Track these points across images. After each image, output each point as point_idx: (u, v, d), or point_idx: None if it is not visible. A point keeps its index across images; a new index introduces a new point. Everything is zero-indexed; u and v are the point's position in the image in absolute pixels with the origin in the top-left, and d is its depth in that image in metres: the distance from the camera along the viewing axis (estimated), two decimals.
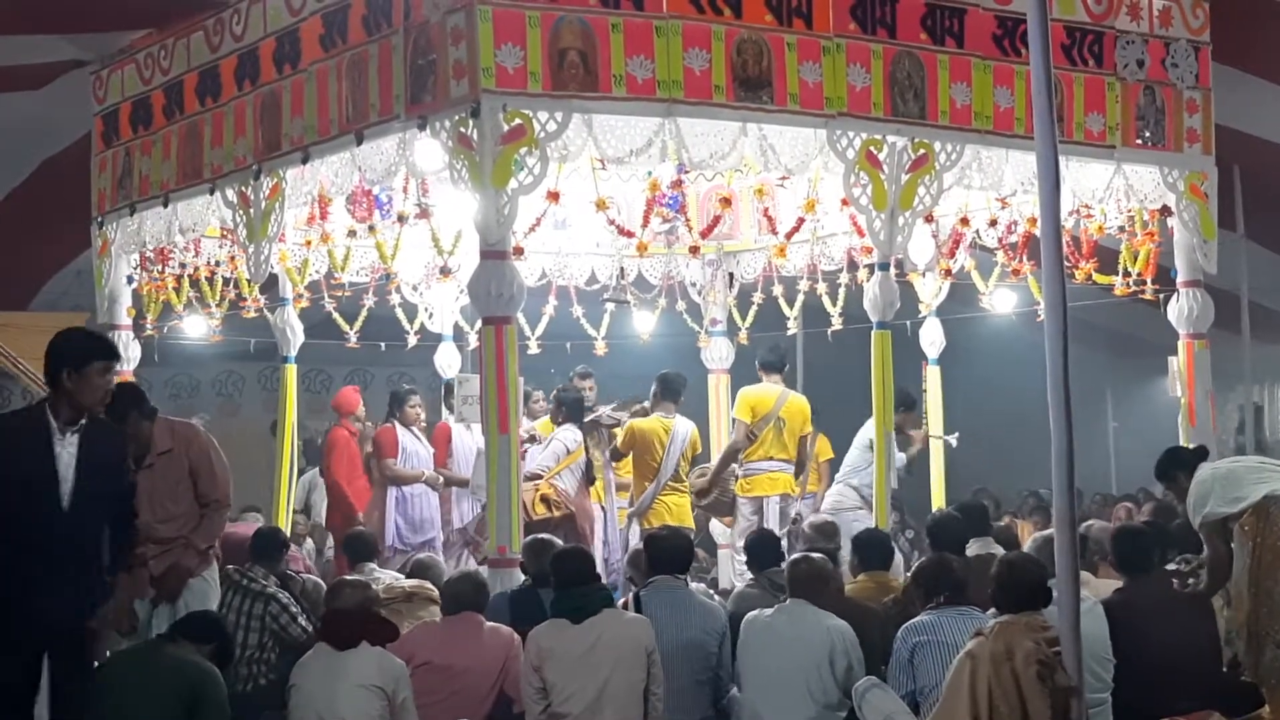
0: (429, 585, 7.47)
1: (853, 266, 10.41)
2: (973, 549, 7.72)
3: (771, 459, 9.97)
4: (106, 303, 9.99)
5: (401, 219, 8.94)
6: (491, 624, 6.68)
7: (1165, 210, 9.23)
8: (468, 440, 10.39)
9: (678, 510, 10.08)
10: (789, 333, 11.87)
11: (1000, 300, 11.09)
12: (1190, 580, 7.18)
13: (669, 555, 6.96)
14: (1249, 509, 6.68)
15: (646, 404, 10.53)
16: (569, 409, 10.01)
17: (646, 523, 9.88)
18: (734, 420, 10.23)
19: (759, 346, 11.44)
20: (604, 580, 7.22)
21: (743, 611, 6.81)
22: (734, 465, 10.10)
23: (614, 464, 10.46)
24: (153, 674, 5.85)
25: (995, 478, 13.89)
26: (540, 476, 9.59)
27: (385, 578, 8.12)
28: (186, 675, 5.83)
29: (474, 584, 6.78)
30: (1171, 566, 7.52)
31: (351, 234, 9.56)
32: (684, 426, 10.18)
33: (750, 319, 11.55)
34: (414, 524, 10.45)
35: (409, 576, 7.93)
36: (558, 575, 6.58)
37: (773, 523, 9.81)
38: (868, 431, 10.41)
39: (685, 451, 10.14)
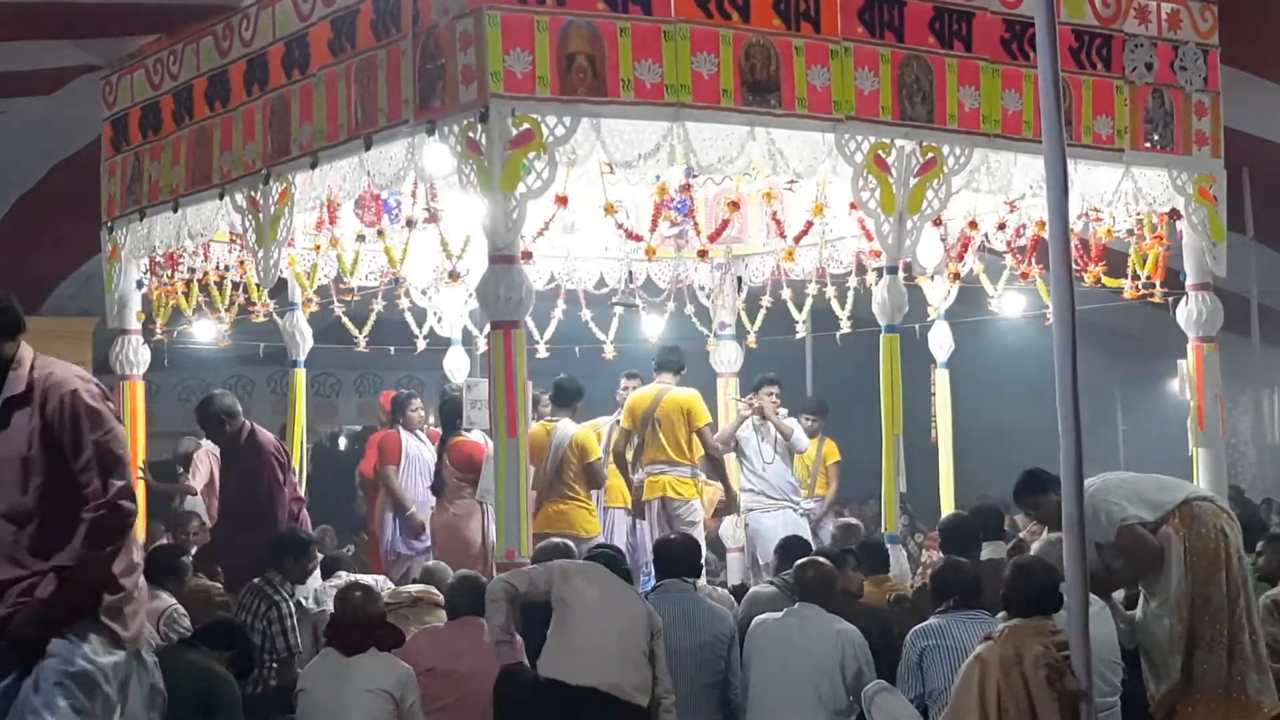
0: (434, 591, 7.46)
1: (861, 270, 10.41)
2: (985, 552, 7.73)
3: (654, 462, 9.83)
4: (116, 307, 10.01)
5: (410, 223, 8.93)
6: None
7: (1174, 213, 9.20)
8: (423, 452, 10.50)
9: (555, 517, 9.49)
10: (797, 336, 11.85)
11: (1009, 304, 11.07)
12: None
13: (677, 558, 6.98)
14: (1173, 513, 6.51)
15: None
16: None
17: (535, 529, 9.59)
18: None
19: (768, 350, 11.42)
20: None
21: (755, 612, 6.81)
22: (639, 469, 9.96)
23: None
24: (166, 679, 5.84)
25: (1004, 481, 13.79)
26: None
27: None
28: (199, 680, 5.81)
29: (472, 588, 6.77)
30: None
31: (360, 238, 9.56)
32: (563, 432, 9.70)
33: (759, 323, 11.52)
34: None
35: (416, 582, 7.90)
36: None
37: (656, 528, 9.65)
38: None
39: (567, 457, 9.62)
